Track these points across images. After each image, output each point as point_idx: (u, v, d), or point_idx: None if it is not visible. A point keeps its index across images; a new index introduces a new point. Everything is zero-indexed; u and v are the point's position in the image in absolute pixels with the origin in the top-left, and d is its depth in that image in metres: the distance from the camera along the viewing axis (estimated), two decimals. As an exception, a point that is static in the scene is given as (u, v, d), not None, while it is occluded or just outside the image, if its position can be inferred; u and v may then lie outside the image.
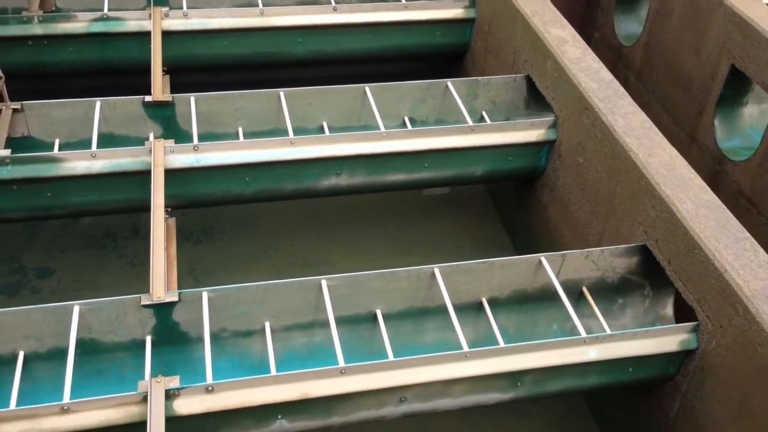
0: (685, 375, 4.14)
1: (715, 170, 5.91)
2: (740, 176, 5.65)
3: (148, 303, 3.96)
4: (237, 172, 5.13)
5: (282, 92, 5.58)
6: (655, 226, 4.39)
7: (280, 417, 3.75)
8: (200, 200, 5.27)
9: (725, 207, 4.27)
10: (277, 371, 3.78)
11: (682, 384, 4.17)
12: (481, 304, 4.46)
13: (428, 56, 7.54)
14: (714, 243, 3.99)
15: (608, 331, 4.13)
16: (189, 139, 5.28)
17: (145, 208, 4.65)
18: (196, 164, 4.97)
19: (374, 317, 4.32)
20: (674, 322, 4.41)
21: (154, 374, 3.62)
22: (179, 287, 4.16)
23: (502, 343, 4.05)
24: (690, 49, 6.17)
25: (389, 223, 6.33)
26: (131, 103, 5.40)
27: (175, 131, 5.48)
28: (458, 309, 4.28)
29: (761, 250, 3.98)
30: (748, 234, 4.08)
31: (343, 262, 5.85)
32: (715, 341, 3.91)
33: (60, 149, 5.27)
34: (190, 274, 5.67)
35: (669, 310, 4.50)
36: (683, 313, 4.27)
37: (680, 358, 4.14)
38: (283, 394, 3.67)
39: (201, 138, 5.35)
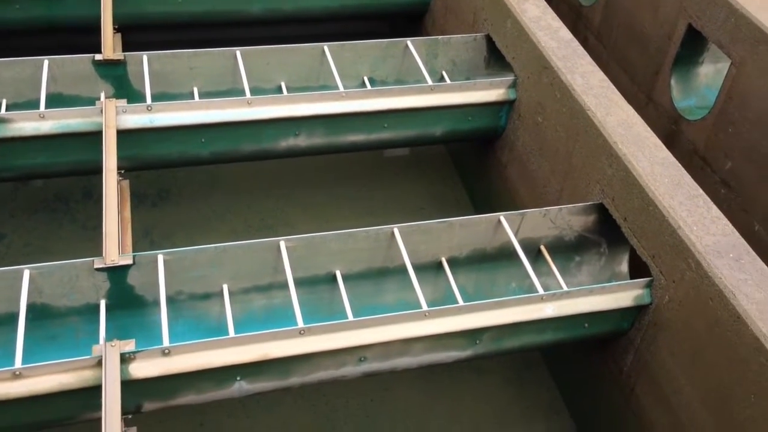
0: (639, 329, 4.22)
1: (670, 129, 5.97)
2: (695, 135, 5.72)
3: (101, 266, 3.88)
4: (192, 133, 5.02)
5: (238, 51, 5.46)
6: (611, 185, 4.43)
7: (239, 378, 3.73)
8: (155, 162, 5.16)
9: (680, 165, 4.32)
10: (236, 333, 3.75)
11: (636, 338, 4.26)
12: (440, 263, 4.47)
13: (388, 15, 7.44)
14: (668, 200, 4.04)
15: (565, 288, 4.18)
16: (142, 99, 5.14)
17: (98, 171, 4.53)
18: (149, 125, 4.85)
19: (333, 278, 4.30)
20: (629, 278, 4.48)
21: (108, 338, 3.56)
22: (135, 251, 4.08)
23: (461, 302, 4.07)
24: (648, 9, 6.18)
25: (349, 184, 6.29)
26: (81, 61, 5.23)
27: (127, 91, 5.33)
28: (418, 269, 4.29)
29: (714, 207, 4.04)
30: (701, 191, 4.14)
31: (303, 225, 5.82)
32: (668, 296, 3.99)
33: (7, 110, 5.09)
34: (146, 237, 5.59)
35: (624, 266, 4.57)
36: (638, 269, 4.33)
37: (634, 313, 4.22)
38: (241, 356, 3.65)
39: (155, 98, 5.21)
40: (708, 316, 3.71)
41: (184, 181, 6.09)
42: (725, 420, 3.62)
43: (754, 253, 3.79)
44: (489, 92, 5.52)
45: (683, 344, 3.89)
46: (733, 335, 3.55)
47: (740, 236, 3.89)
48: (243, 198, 6.06)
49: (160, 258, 3.97)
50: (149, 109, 4.83)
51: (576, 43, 5.22)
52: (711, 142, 5.56)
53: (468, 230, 4.46)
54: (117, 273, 3.93)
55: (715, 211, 4.03)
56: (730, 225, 3.95)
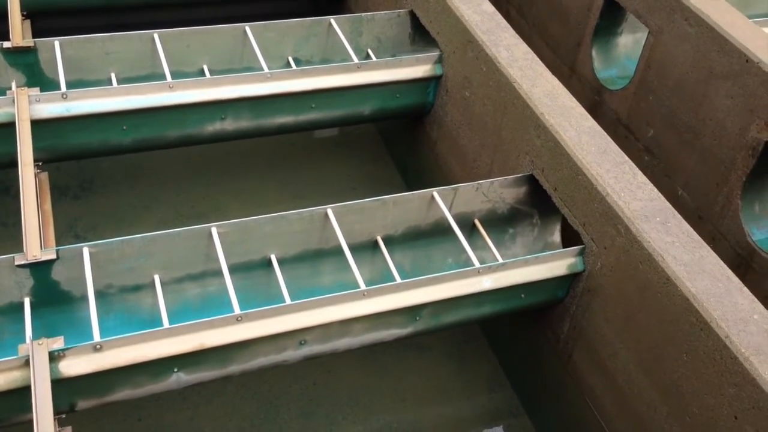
0: (574, 297, 4.31)
1: (594, 100, 6.09)
2: (617, 105, 5.85)
3: (23, 263, 3.70)
4: (112, 121, 4.83)
5: (156, 34, 5.27)
6: (540, 155, 4.48)
7: (176, 370, 3.63)
8: (74, 152, 4.95)
9: (605, 133, 4.40)
10: (171, 324, 3.65)
11: (571, 306, 4.34)
12: (376, 242, 4.45)
13: (309, -6, 7.33)
14: (596, 168, 4.12)
15: (501, 261, 4.22)
16: (56, 87, 4.90)
17: (14, 164, 4.32)
18: (66, 113, 4.63)
19: (269, 263, 4.23)
20: (562, 247, 4.56)
21: (36, 337, 3.40)
22: (58, 245, 3.90)
23: (398, 280, 4.06)
24: (567, -19, 6.27)
25: (280, 167, 6.19)
26: (-13, 50, 4.96)
27: (40, 79, 5.09)
28: (353, 249, 4.26)
29: (639, 173, 4.15)
30: (627, 158, 4.24)
31: (234, 211, 5.69)
32: (600, 262, 4.07)
33: None
34: (70, 231, 5.37)
35: (556, 236, 4.65)
36: (570, 237, 4.41)
37: (568, 281, 4.30)
38: (177, 347, 3.55)
39: (70, 86, 4.96)
40: (639, 280, 3.81)
41: (108, 171, 5.87)
42: (660, 380, 3.73)
43: (679, 216, 3.91)
44: (415, 68, 5.50)
45: (616, 309, 3.99)
46: (663, 297, 3.66)
47: (666, 200, 4.00)
48: (170, 186, 5.89)
49: (86, 251, 3.81)
50: (64, 97, 4.62)
51: (499, 16, 5.24)
52: (633, 111, 5.70)
53: (402, 207, 4.45)
54: (40, 269, 3.76)
55: (641, 176, 4.13)
56: (656, 190, 4.06)
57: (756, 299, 3.51)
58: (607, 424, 4.18)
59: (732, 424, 3.33)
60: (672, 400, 3.67)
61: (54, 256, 3.76)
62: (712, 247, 3.88)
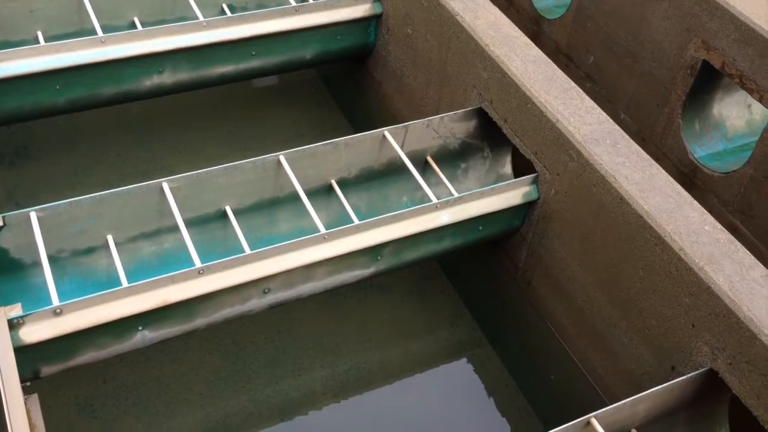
0: (530, 225, 4.38)
1: (533, 30, 6.11)
2: (557, 34, 5.88)
3: (-33, 233, 3.55)
4: (44, 81, 4.62)
5: (81, -13, 5.03)
6: (488, 88, 4.49)
7: (140, 328, 3.57)
8: (6, 117, 4.73)
9: (551, 61, 4.43)
10: (130, 283, 3.57)
11: (528, 234, 4.42)
12: (330, 186, 4.42)
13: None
14: (544, 96, 4.15)
15: (456, 195, 4.24)
16: (-20, 49, 4.66)
17: (-58, 133, 4.11)
18: (-6, 76, 4.41)
19: (224, 214, 4.16)
20: (514, 178, 4.61)
21: (-10, 307, 3.29)
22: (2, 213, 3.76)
23: (356, 222, 4.05)
24: None
25: (224, 119, 6.04)
26: None
27: (-39, 42, 4.82)
28: (309, 194, 4.22)
29: (587, 98, 4.20)
30: (573, 84, 4.28)
31: (181, 167, 5.49)
32: (553, 189, 4.14)
33: None
34: (10, 199, 5.16)
35: (508, 168, 4.70)
36: (523, 167, 4.46)
37: (524, 210, 4.36)
38: (139, 305, 3.48)
39: (-6, 47, 4.74)
40: (593, 202, 3.89)
41: (43, 136, 5.64)
42: (618, 297, 3.85)
43: (628, 138, 3.99)
44: (354, 8, 5.41)
45: (572, 233, 4.08)
46: (617, 216, 3.75)
47: (614, 123, 4.07)
48: (111, 146, 5.69)
49: (33, 216, 3.68)
50: (-9, 58, 4.39)
51: (436, -50, 5.16)
52: (572, 39, 5.74)
53: (354, 149, 4.41)
54: (-13, 238, 3.62)
55: (588, 101, 4.19)
56: (604, 114, 4.12)
57: (705, 211, 3.64)
58: (568, 344, 4.31)
59: (690, 331, 3.47)
60: (630, 315, 3.80)
61: (1, 224, 3.61)
62: (658, 166, 3.98)
